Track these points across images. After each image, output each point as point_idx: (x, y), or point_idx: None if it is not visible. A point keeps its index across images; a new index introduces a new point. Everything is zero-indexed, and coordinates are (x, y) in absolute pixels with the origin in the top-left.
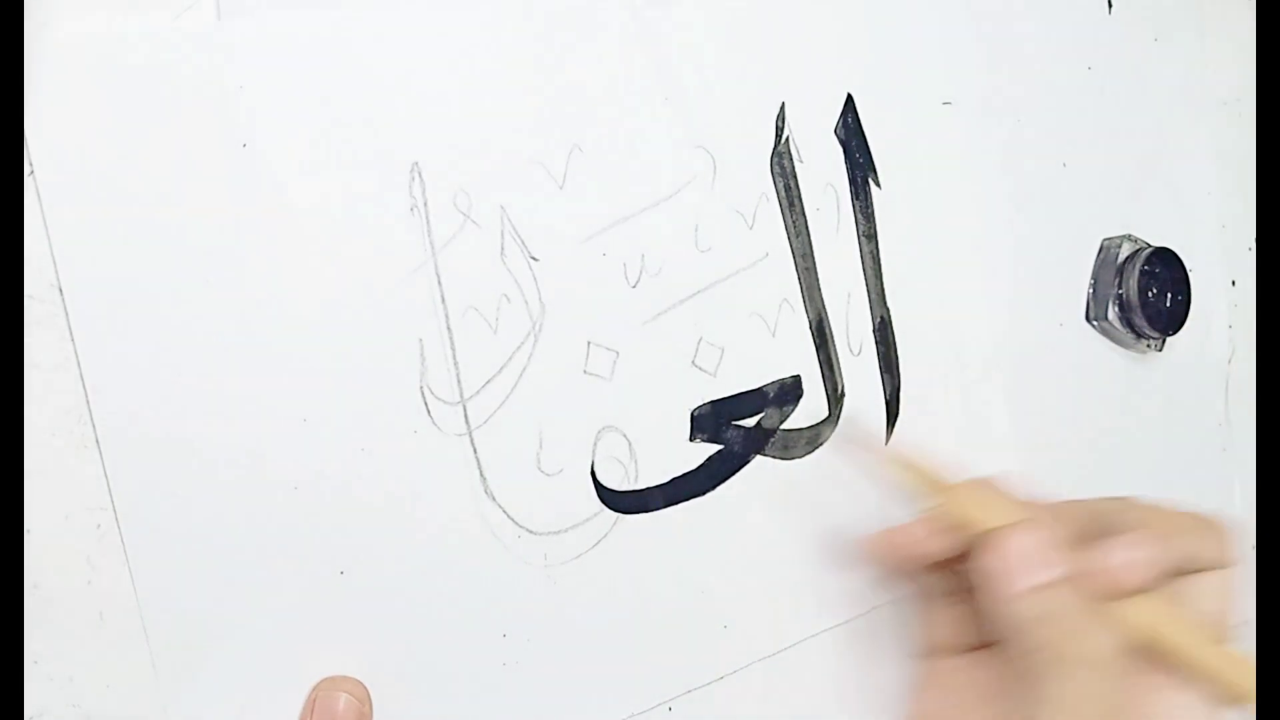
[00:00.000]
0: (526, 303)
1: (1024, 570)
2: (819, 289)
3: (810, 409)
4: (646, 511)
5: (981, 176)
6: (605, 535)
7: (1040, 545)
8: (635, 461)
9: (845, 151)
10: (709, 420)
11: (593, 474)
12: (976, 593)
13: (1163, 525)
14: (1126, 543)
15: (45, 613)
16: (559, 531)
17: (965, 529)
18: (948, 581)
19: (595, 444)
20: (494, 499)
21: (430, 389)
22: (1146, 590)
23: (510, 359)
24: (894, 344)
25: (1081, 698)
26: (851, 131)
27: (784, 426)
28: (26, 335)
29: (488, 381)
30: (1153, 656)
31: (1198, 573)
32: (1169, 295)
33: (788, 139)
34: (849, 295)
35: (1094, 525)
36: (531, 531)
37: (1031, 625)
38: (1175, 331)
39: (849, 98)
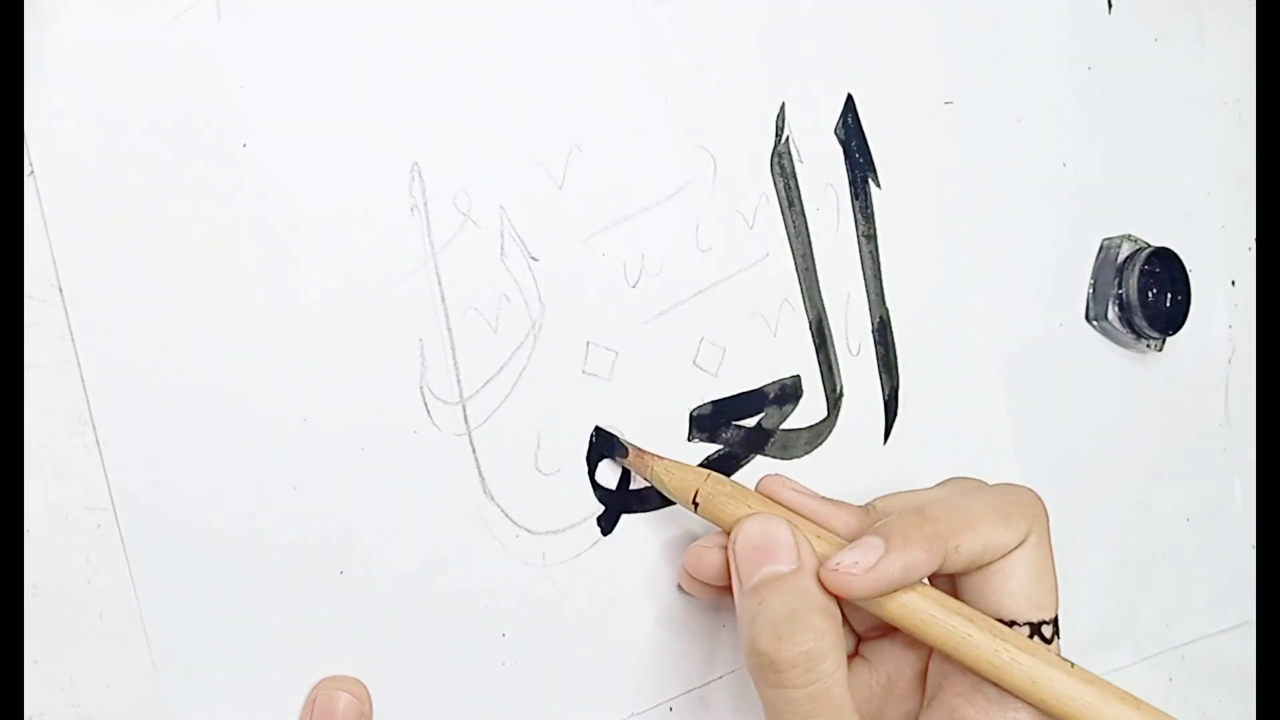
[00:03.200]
0: (526, 303)
1: (746, 565)
2: (819, 289)
3: (810, 409)
4: (645, 511)
5: (981, 176)
6: (604, 535)
7: (761, 537)
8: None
9: (845, 152)
10: (709, 420)
11: (591, 474)
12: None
13: (939, 514)
14: (854, 547)
15: (45, 613)
16: (558, 531)
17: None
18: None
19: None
20: (493, 499)
21: (430, 389)
22: (886, 591)
23: (510, 359)
24: (893, 344)
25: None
26: (851, 132)
27: (784, 427)
28: (26, 335)
29: (487, 381)
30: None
31: (999, 560)
32: (1169, 295)
33: (788, 139)
34: (849, 295)
35: (874, 519)
36: (530, 531)
37: (746, 627)
38: (1175, 331)
39: (849, 98)
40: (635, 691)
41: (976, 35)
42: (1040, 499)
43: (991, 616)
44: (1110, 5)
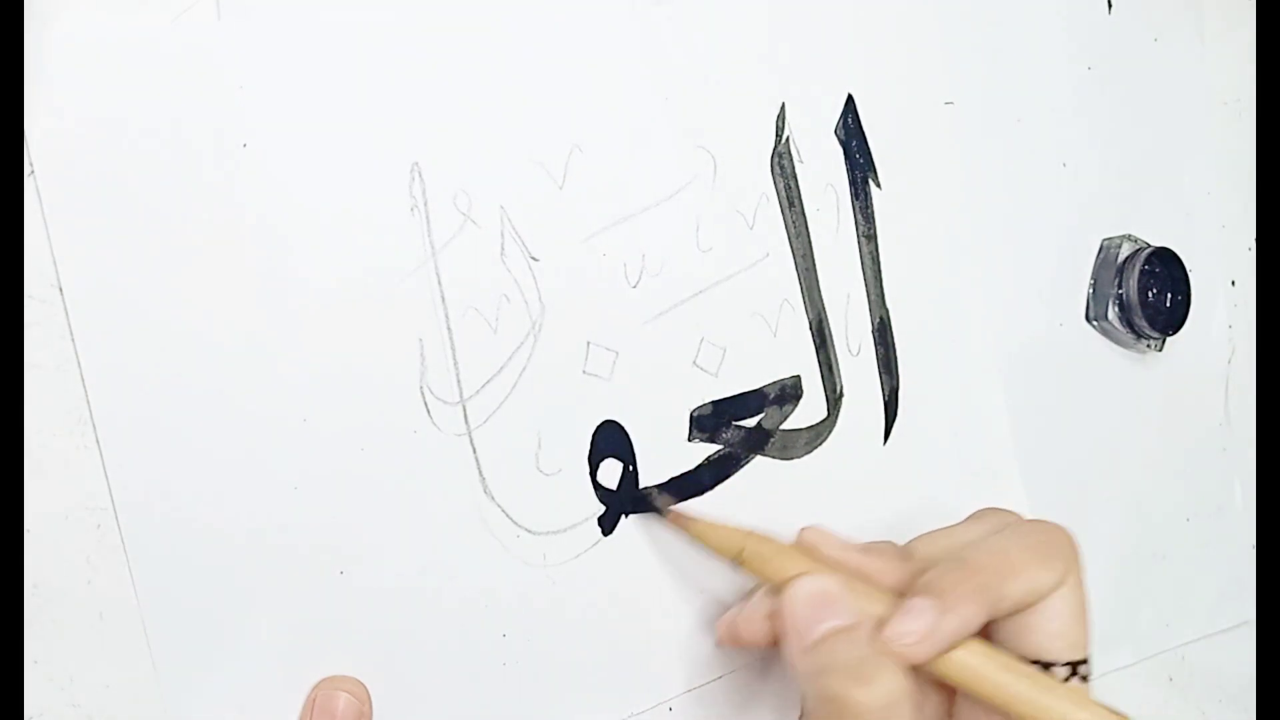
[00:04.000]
0: (526, 303)
1: (805, 623)
2: (819, 289)
3: (810, 409)
4: (646, 512)
5: (981, 176)
6: (605, 535)
7: (818, 595)
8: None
9: (845, 152)
10: (709, 420)
11: (592, 474)
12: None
13: (980, 563)
14: (906, 613)
15: (45, 613)
16: (558, 531)
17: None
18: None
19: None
20: (493, 499)
21: (430, 389)
22: (936, 653)
23: (510, 359)
24: (893, 344)
25: None
26: (852, 132)
27: (784, 427)
28: (26, 335)
29: (487, 381)
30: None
31: (1038, 603)
32: (1169, 295)
33: (788, 139)
34: (848, 296)
35: (919, 560)
36: (530, 531)
37: (814, 678)
38: (1175, 331)
39: (849, 98)
40: (635, 691)
41: (976, 35)
42: (1073, 538)
43: (1029, 658)
44: (1110, 5)
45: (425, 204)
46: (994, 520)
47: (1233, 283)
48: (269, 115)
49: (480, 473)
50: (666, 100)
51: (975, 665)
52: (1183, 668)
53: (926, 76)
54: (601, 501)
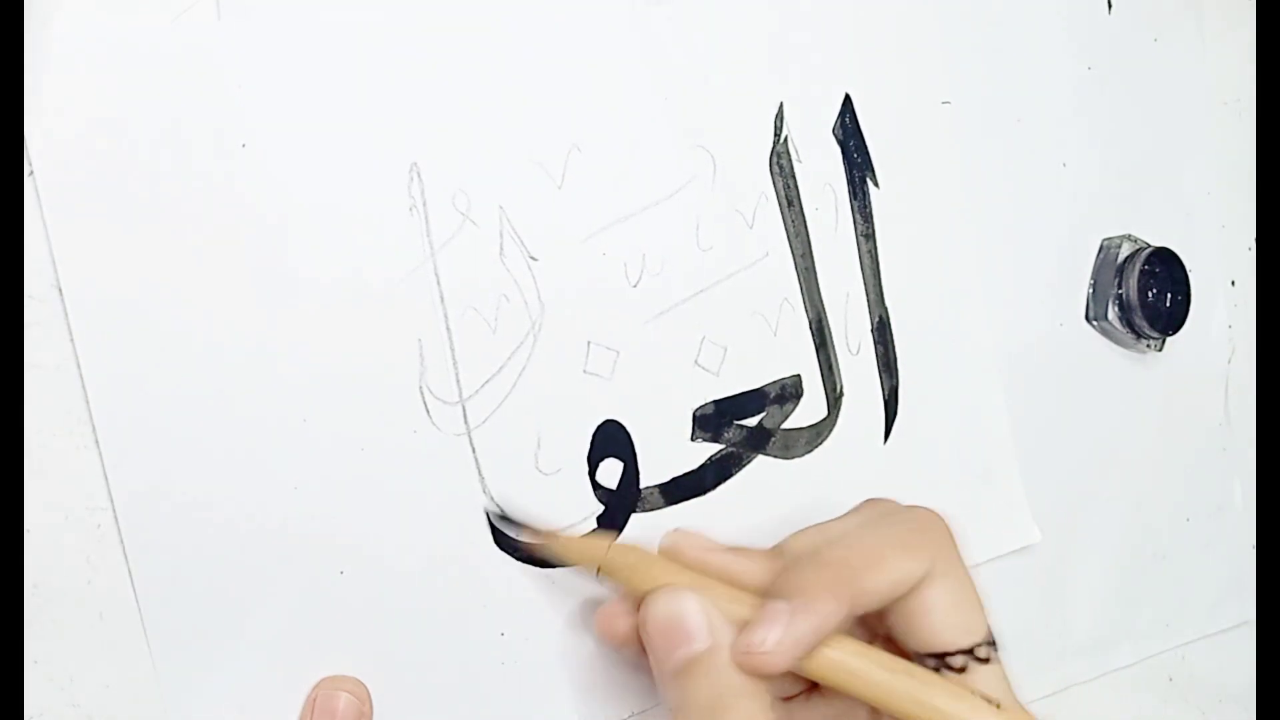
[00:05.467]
0: (526, 302)
1: (662, 649)
2: (818, 289)
3: (810, 408)
4: (647, 511)
5: (981, 176)
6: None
7: (673, 619)
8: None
9: (843, 151)
10: (711, 420)
11: (592, 474)
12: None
13: (841, 559)
14: (759, 621)
15: (45, 613)
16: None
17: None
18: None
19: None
20: (493, 498)
21: (429, 389)
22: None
23: (509, 359)
24: (893, 344)
25: None
26: (849, 131)
27: (785, 426)
28: (26, 335)
29: (487, 381)
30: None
31: (916, 592)
32: (1169, 295)
33: (786, 139)
34: (848, 295)
35: (785, 567)
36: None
37: (676, 711)
38: (1175, 331)
39: (846, 98)
40: (635, 691)
41: (976, 35)
42: (944, 521)
43: (923, 650)
44: (1110, 5)
45: (424, 204)
46: (868, 512)
47: (1233, 283)
48: (268, 115)
49: (480, 472)
50: (666, 100)
51: (842, 662)
52: (1183, 668)
53: (924, 76)
54: (601, 501)
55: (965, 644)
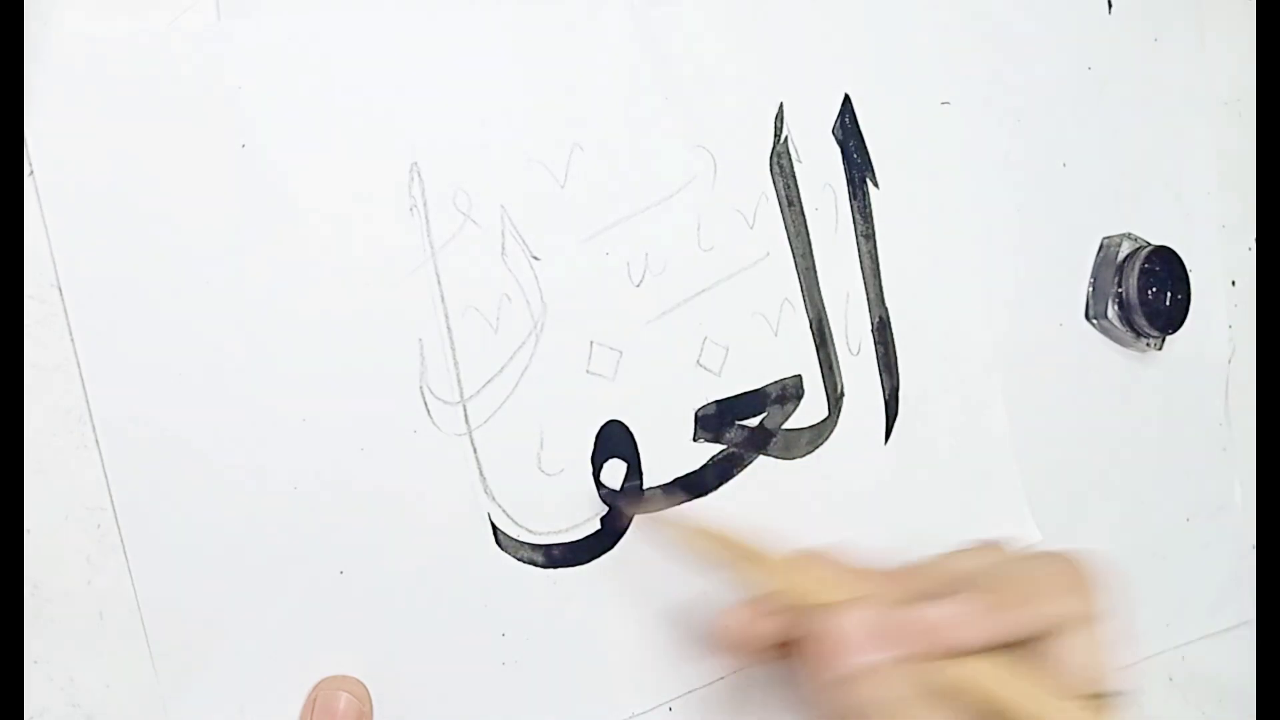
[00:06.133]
0: (528, 302)
1: (846, 654)
2: (819, 289)
3: (811, 408)
4: (649, 512)
5: (981, 176)
6: (608, 535)
7: (865, 626)
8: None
9: (843, 152)
10: (713, 420)
11: (595, 474)
12: (806, 675)
13: (1013, 589)
14: (950, 601)
15: (45, 613)
16: (560, 531)
17: (792, 608)
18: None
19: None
20: (494, 499)
21: (430, 389)
22: (984, 652)
23: (511, 358)
24: (893, 343)
25: None
26: (849, 132)
27: (786, 426)
28: (26, 335)
29: (488, 381)
30: None
31: (1061, 633)
32: (1169, 294)
33: (786, 139)
34: (848, 295)
35: (932, 584)
36: (532, 532)
37: (856, 714)
38: (1175, 331)
39: (846, 98)
40: (635, 691)
41: (975, 35)
42: (1090, 569)
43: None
44: (1110, 5)
45: (424, 204)
46: (994, 552)
47: (1233, 283)
48: (268, 115)
49: (481, 473)
50: (667, 100)
51: (1003, 676)
52: (1183, 668)
53: (924, 76)
54: (604, 502)
55: (1089, 693)
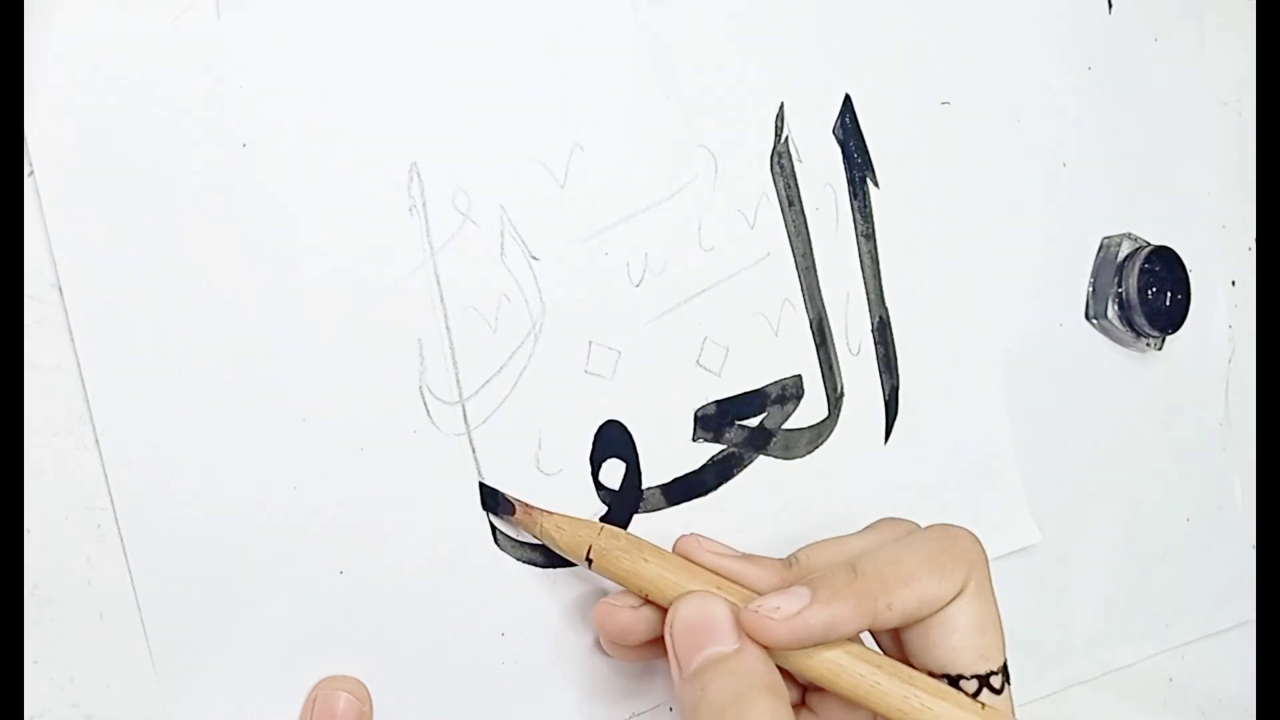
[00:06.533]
0: (527, 302)
1: (685, 648)
2: (819, 288)
3: (811, 409)
4: (649, 512)
5: (981, 176)
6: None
7: (701, 619)
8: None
9: (843, 152)
10: (713, 420)
11: (594, 474)
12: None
13: (872, 569)
14: (780, 593)
15: (45, 613)
16: None
17: (651, 602)
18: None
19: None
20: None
21: (429, 389)
22: (845, 640)
23: (510, 358)
24: (893, 343)
25: None
26: (849, 132)
27: (786, 426)
28: (26, 335)
29: (487, 381)
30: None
31: (936, 613)
32: (1169, 294)
33: (787, 139)
34: (848, 295)
35: (799, 576)
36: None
37: (693, 708)
38: (1175, 330)
39: (846, 98)
40: (635, 691)
41: (975, 35)
42: (978, 542)
43: (937, 671)
44: (1110, 5)
45: (424, 204)
46: (889, 529)
47: (1233, 283)
48: (268, 115)
49: (480, 472)
50: (667, 100)
51: (831, 657)
52: (1183, 668)
53: (924, 76)
54: (604, 502)
55: (981, 670)
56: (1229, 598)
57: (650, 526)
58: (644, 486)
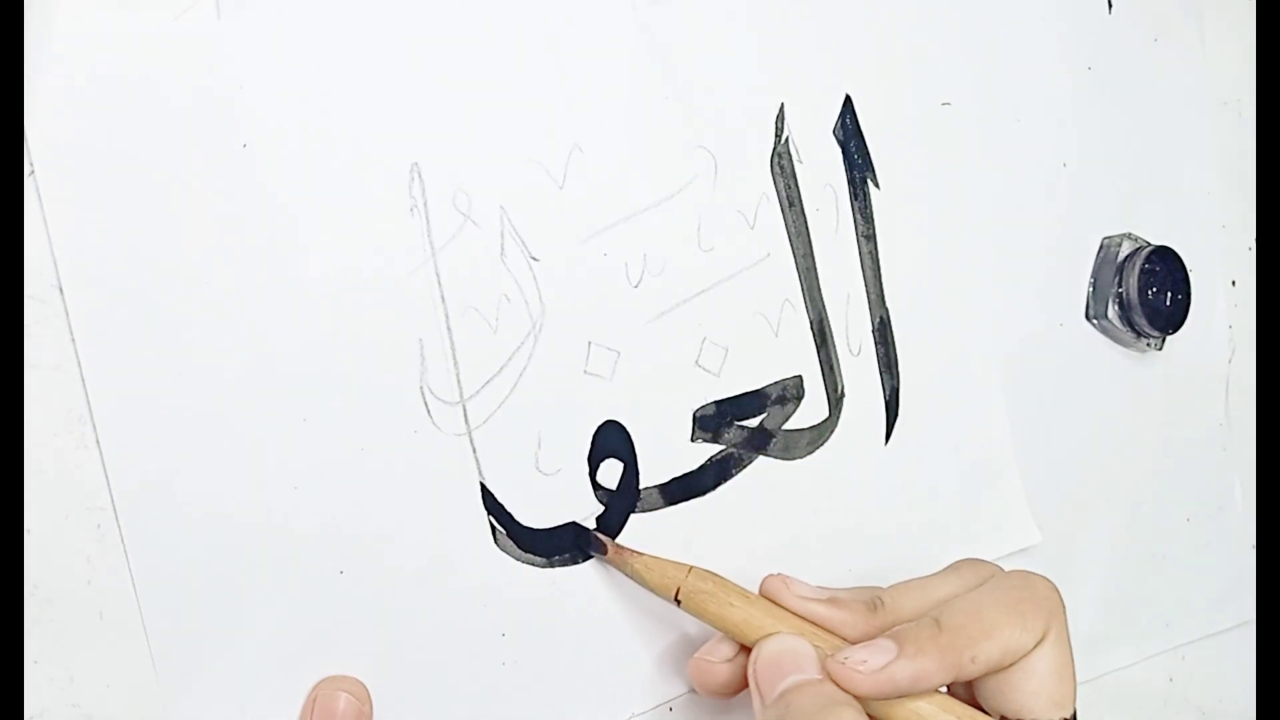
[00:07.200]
0: (527, 303)
1: (768, 679)
2: (819, 289)
3: (811, 409)
4: (647, 512)
5: (981, 176)
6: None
7: (786, 654)
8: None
9: (844, 152)
10: (712, 420)
11: (593, 474)
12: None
13: (956, 622)
14: (867, 646)
15: (45, 613)
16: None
17: (741, 645)
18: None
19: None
20: (494, 498)
21: (430, 389)
22: (928, 691)
23: (510, 359)
24: (893, 344)
25: None
26: (850, 132)
27: (786, 427)
28: (26, 335)
29: (487, 381)
30: None
31: (1017, 663)
32: (1169, 294)
33: (787, 139)
34: (848, 296)
35: (894, 616)
36: (530, 531)
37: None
38: (1175, 330)
39: (847, 98)
40: (635, 691)
41: (975, 36)
42: (1056, 590)
43: (1011, 717)
44: (1110, 5)
45: (425, 204)
46: (972, 574)
47: (1233, 283)
48: (268, 115)
49: (480, 473)
50: (667, 100)
51: (924, 713)
52: (1182, 667)
53: (924, 77)
54: (602, 502)
55: (1054, 716)
56: (1229, 598)
57: (648, 526)
58: (642, 486)
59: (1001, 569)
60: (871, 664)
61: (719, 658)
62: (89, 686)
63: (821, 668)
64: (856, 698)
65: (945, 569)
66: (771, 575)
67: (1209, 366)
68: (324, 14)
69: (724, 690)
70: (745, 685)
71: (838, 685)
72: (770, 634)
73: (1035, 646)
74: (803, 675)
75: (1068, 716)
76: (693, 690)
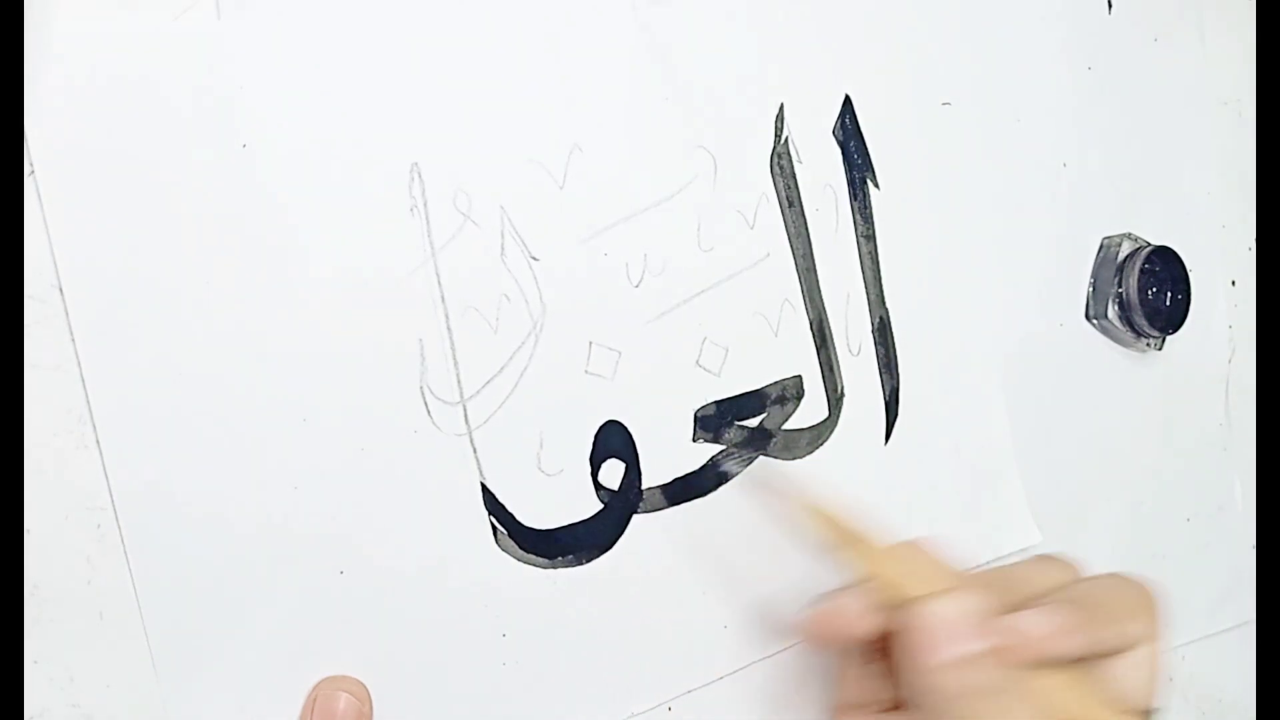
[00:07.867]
0: (527, 302)
1: (948, 641)
2: (819, 289)
3: (811, 409)
4: (648, 512)
5: (981, 176)
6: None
7: (965, 616)
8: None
9: (844, 152)
10: (712, 420)
11: (593, 474)
12: (897, 658)
13: (1098, 608)
14: (1046, 611)
15: (45, 613)
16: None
17: (891, 599)
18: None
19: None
20: (495, 499)
21: (430, 389)
22: (1064, 662)
23: (511, 359)
24: (893, 344)
25: None
26: (849, 133)
27: (786, 427)
28: (26, 335)
29: (488, 381)
30: None
31: (1126, 653)
32: (1169, 294)
33: (787, 139)
34: (848, 296)
35: (1019, 594)
36: (532, 531)
37: (953, 698)
38: (1175, 330)
39: (846, 98)
40: (635, 691)
41: (975, 35)
42: (1155, 593)
43: (1117, 704)
44: (1110, 5)
45: (425, 204)
46: (1062, 564)
47: (1233, 283)
48: (268, 115)
49: (481, 473)
50: (667, 100)
51: (1075, 690)
52: (1183, 668)
53: (924, 77)
54: (602, 502)
55: (1145, 707)
56: (1229, 598)
57: (649, 527)
58: (644, 487)
59: (1077, 567)
60: (1049, 627)
61: (859, 608)
62: (89, 686)
63: (992, 636)
64: (1018, 662)
65: (1025, 561)
66: (912, 543)
67: (1209, 366)
68: (324, 14)
69: (849, 643)
70: (875, 642)
71: (1008, 642)
72: (943, 590)
73: (1145, 641)
74: (977, 644)
75: (1154, 710)
76: (692, 690)
